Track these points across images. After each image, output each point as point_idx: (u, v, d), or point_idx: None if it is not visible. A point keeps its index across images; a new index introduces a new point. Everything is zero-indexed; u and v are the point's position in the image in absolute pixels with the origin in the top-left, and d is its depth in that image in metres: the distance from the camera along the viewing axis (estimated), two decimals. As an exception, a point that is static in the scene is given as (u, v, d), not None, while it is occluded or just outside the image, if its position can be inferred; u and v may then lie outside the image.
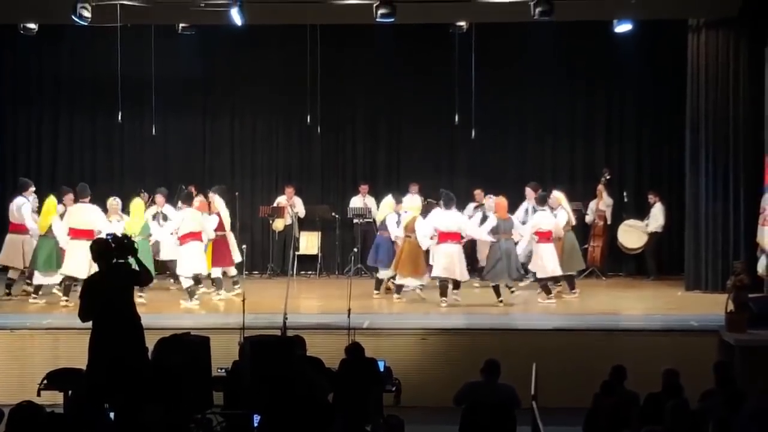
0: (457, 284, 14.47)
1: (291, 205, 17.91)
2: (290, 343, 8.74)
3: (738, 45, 15.27)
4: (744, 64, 15.23)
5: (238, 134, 19.06)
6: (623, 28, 15.61)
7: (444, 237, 14.34)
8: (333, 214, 18.09)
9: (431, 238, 14.37)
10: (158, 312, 13.47)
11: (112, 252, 8.52)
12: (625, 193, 17.95)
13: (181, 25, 16.29)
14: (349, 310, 11.27)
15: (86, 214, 14.33)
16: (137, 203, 14.96)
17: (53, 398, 9.19)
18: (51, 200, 14.70)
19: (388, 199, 15.97)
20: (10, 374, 12.08)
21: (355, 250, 15.96)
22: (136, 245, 8.78)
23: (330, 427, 6.75)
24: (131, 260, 8.67)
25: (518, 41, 17.42)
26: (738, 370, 10.30)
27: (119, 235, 9.23)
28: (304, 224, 18.24)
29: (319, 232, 18.20)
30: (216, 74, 18.76)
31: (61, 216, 14.55)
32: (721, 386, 8.29)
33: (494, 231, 14.47)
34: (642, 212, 17.57)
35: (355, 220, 17.64)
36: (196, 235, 14.40)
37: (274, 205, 17.91)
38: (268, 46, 18.22)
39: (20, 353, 12.29)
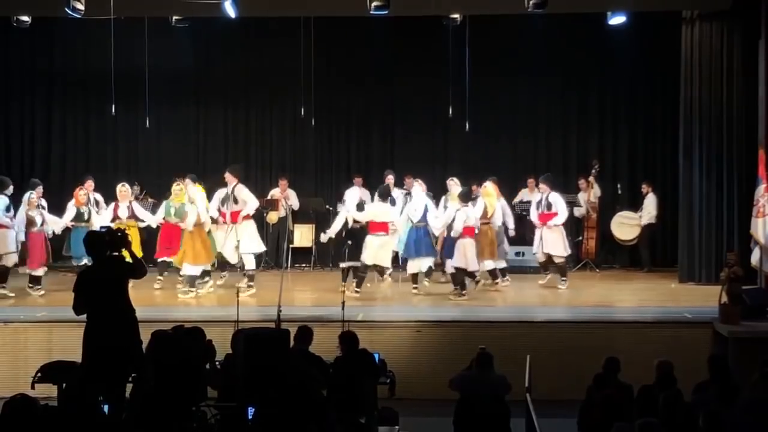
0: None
1: (285, 197, 17.86)
2: (284, 336, 8.72)
3: (731, 37, 15.29)
4: (737, 56, 15.25)
5: (231, 127, 19.05)
6: (617, 20, 15.63)
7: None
8: (327, 206, 18.05)
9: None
10: (152, 305, 13.45)
11: (105, 244, 8.50)
12: (619, 186, 17.97)
13: (174, 17, 16.25)
14: (344, 303, 11.27)
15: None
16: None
17: (47, 391, 9.18)
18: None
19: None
20: (4, 367, 12.09)
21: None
22: (129, 238, 8.75)
23: (323, 420, 6.74)
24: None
25: (512, 34, 17.40)
26: (731, 361, 10.32)
27: (113, 228, 9.20)
28: (298, 217, 18.22)
29: (314, 225, 18.16)
30: (209, 66, 18.74)
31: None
32: (715, 380, 8.30)
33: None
34: (636, 204, 17.59)
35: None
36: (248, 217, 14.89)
37: (268, 197, 17.82)
38: (261, 39, 18.22)
39: (14, 346, 12.29)
